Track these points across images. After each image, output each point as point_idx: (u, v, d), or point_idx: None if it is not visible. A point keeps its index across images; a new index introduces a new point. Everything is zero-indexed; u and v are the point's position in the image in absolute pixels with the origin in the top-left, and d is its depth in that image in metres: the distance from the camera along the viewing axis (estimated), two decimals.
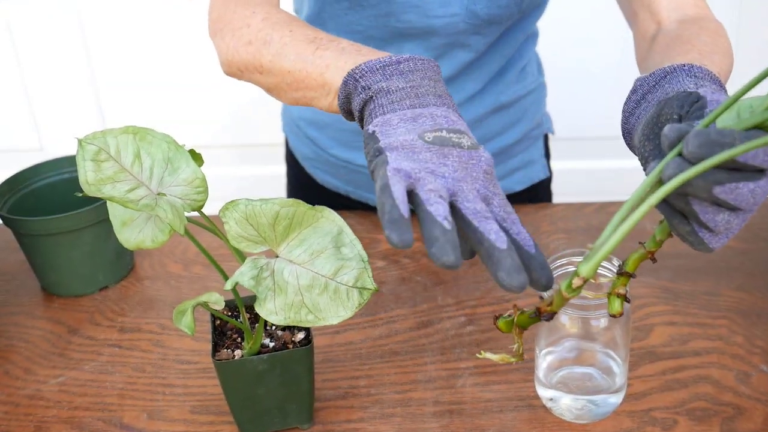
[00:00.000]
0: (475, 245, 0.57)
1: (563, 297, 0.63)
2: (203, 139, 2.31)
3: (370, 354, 0.89)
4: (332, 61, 0.72)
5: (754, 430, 0.77)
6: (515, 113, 1.12)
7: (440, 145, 0.61)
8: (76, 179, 1.06)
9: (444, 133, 0.63)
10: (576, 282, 0.61)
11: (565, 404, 0.79)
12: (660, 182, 0.59)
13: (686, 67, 0.68)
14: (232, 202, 0.67)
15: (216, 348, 0.77)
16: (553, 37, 2.07)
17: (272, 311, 0.68)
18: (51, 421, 0.83)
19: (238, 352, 0.76)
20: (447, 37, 0.98)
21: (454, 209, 0.58)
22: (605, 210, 1.12)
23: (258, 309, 0.68)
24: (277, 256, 0.70)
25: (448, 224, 0.54)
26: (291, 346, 0.77)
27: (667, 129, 0.58)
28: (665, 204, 0.61)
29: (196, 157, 0.72)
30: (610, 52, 2.12)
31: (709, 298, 0.95)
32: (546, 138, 1.22)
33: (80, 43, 2.26)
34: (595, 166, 2.31)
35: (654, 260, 0.66)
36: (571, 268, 0.78)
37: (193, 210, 0.70)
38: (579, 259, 0.78)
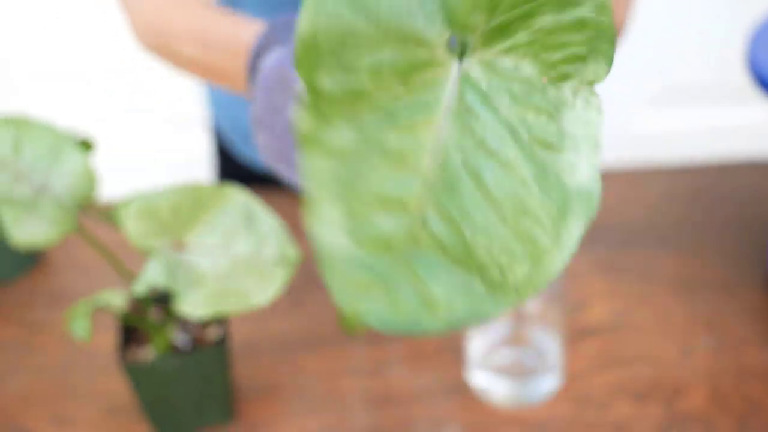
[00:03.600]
0: None
1: None
2: (113, 115, 2.22)
3: (294, 342, 0.84)
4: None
5: (695, 407, 0.74)
6: None
7: None
8: None
9: None
10: None
11: (499, 388, 0.75)
12: None
13: None
14: (124, 200, 0.61)
15: (123, 348, 0.71)
16: None
17: (194, 307, 0.63)
18: None
19: (148, 351, 0.71)
20: None
21: None
22: None
23: (178, 306, 0.62)
24: (187, 247, 0.64)
25: None
26: (205, 340, 0.71)
27: None
28: None
29: (87, 146, 0.66)
30: None
31: (648, 269, 0.91)
32: None
33: None
34: None
35: None
36: None
37: (82, 205, 0.64)
38: None
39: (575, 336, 0.82)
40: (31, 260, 0.97)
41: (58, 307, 0.91)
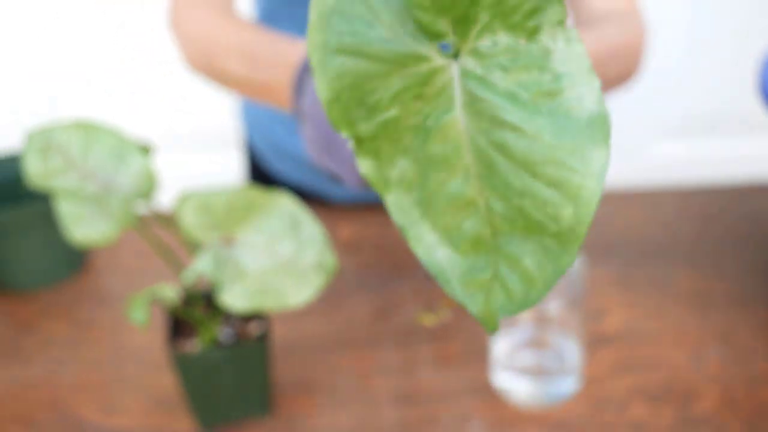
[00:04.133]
0: None
1: None
2: (154, 131, 2.29)
3: (328, 343, 0.89)
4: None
5: (707, 409, 0.79)
6: None
7: None
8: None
9: None
10: None
11: (521, 388, 0.80)
12: None
13: None
14: (185, 194, 0.67)
15: (172, 340, 0.77)
16: None
17: (235, 299, 0.68)
18: (3, 420, 0.82)
19: (195, 342, 0.76)
20: None
21: None
22: None
23: (221, 297, 0.68)
24: (235, 243, 0.69)
25: None
26: (248, 335, 0.76)
27: None
28: None
29: (145, 150, 0.71)
30: None
31: (663, 283, 0.96)
32: None
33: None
34: None
35: None
36: None
37: (143, 200, 0.70)
38: None
39: (594, 343, 0.87)
40: (78, 264, 1.03)
41: (103, 306, 0.97)
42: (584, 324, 0.79)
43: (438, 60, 0.34)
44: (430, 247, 0.36)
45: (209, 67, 0.85)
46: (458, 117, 0.34)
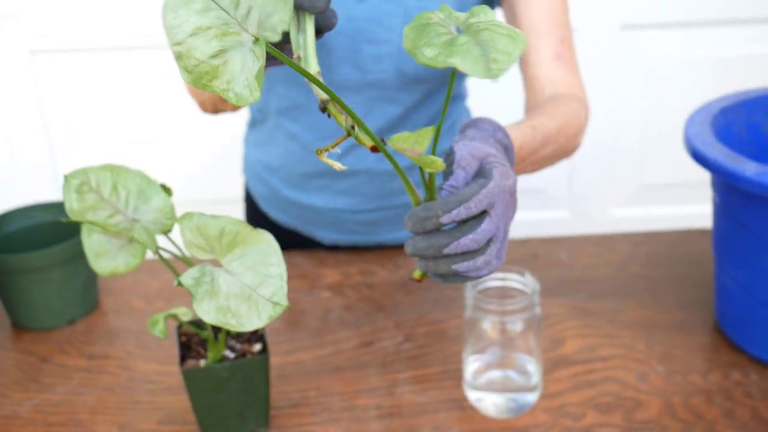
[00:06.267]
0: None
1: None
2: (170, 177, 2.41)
3: (319, 369, 1.00)
4: None
5: (650, 418, 0.90)
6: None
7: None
8: (45, 224, 1.16)
9: None
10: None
11: (490, 402, 0.91)
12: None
13: (478, 122, 0.78)
14: (188, 213, 0.78)
15: (183, 359, 0.87)
16: (485, 95, 2.24)
17: (205, 311, 0.77)
18: None
19: (202, 362, 0.87)
20: (379, 91, 1.12)
21: None
22: (524, 245, 1.26)
23: (194, 306, 0.77)
24: (220, 265, 0.80)
25: None
26: (249, 356, 0.87)
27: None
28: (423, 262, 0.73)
29: (167, 189, 0.84)
30: None
31: (615, 314, 1.08)
32: None
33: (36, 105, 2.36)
34: (518, 216, 2.47)
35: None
36: (493, 283, 0.91)
37: (163, 233, 0.81)
38: (498, 274, 0.91)
39: (554, 365, 0.99)
40: (90, 306, 1.14)
41: (115, 343, 1.08)
42: (542, 345, 0.90)
43: None
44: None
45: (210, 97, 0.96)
46: None
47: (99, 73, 2.30)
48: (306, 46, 0.64)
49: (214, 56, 0.59)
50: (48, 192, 2.42)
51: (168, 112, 2.34)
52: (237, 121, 2.33)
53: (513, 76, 2.22)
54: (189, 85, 0.96)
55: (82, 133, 2.37)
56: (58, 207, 1.18)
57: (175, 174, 2.41)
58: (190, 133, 2.36)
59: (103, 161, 2.41)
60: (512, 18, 1.10)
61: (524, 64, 1.08)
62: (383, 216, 1.23)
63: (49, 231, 1.17)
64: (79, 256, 1.09)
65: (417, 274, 0.75)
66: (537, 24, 1.07)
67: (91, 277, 1.13)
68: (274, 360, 1.02)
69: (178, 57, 0.59)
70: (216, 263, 0.79)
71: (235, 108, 1.18)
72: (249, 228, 0.79)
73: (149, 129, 2.36)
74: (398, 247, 1.27)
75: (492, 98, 2.26)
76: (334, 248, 1.28)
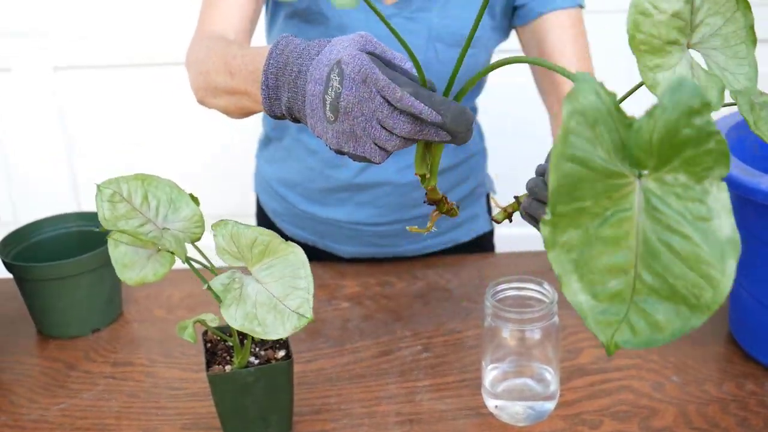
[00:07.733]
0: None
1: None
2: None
3: (339, 377, 1.02)
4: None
5: (665, 425, 0.92)
6: (459, 174, 1.28)
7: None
8: (73, 234, 1.19)
9: None
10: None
11: (508, 410, 0.93)
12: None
13: None
14: (223, 221, 0.80)
15: (209, 364, 0.90)
16: (495, 104, 2.26)
17: (233, 317, 0.80)
18: None
19: (227, 368, 0.89)
20: None
21: None
22: (539, 257, 1.28)
23: (221, 311, 0.80)
24: (249, 273, 0.82)
25: None
26: (273, 362, 0.89)
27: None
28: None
29: (195, 199, 0.86)
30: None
31: None
32: (487, 196, 1.39)
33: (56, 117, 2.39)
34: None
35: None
36: (511, 293, 0.94)
37: (192, 241, 0.84)
38: (516, 284, 0.93)
39: (570, 374, 1.01)
40: (114, 315, 1.16)
41: (139, 351, 1.10)
42: (559, 353, 0.92)
43: (630, 177, 0.54)
44: (575, 292, 0.54)
45: (206, 85, 0.98)
46: (635, 216, 0.54)
47: (119, 89, 2.34)
48: None
49: None
50: (68, 203, 2.45)
51: (183, 127, 2.38)
52: (248, 137, 2.36)
53: (524, 101, 2.24)
54: (209, 95, 0.98)
55: (101, 146, 2.41)
56: (79, 217, 1.20)
57: (187, 189, 2.44)
58: (205, 148, 2.39)
59: (119, 174, 2.44)
60: (536, 48, 1.12)
61: (552, 92, 1.12)
62: (402, 228, 1.25)
63: (70, 241, 1.19)
64: (105, 265, 1.11)
65: (500, 216, 0.84)
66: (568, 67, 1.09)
67: (116, 286, 1.16)
68: (296, 368, 1.04)
69: None
70: (245, 271, 0.82)
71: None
72: (280, 240, 0.81)
73: (163, 142, 2.40)
74: (416, 258, 1.29)
75: (500, 105, 2.29)
76: (352, 260, 1.31)
